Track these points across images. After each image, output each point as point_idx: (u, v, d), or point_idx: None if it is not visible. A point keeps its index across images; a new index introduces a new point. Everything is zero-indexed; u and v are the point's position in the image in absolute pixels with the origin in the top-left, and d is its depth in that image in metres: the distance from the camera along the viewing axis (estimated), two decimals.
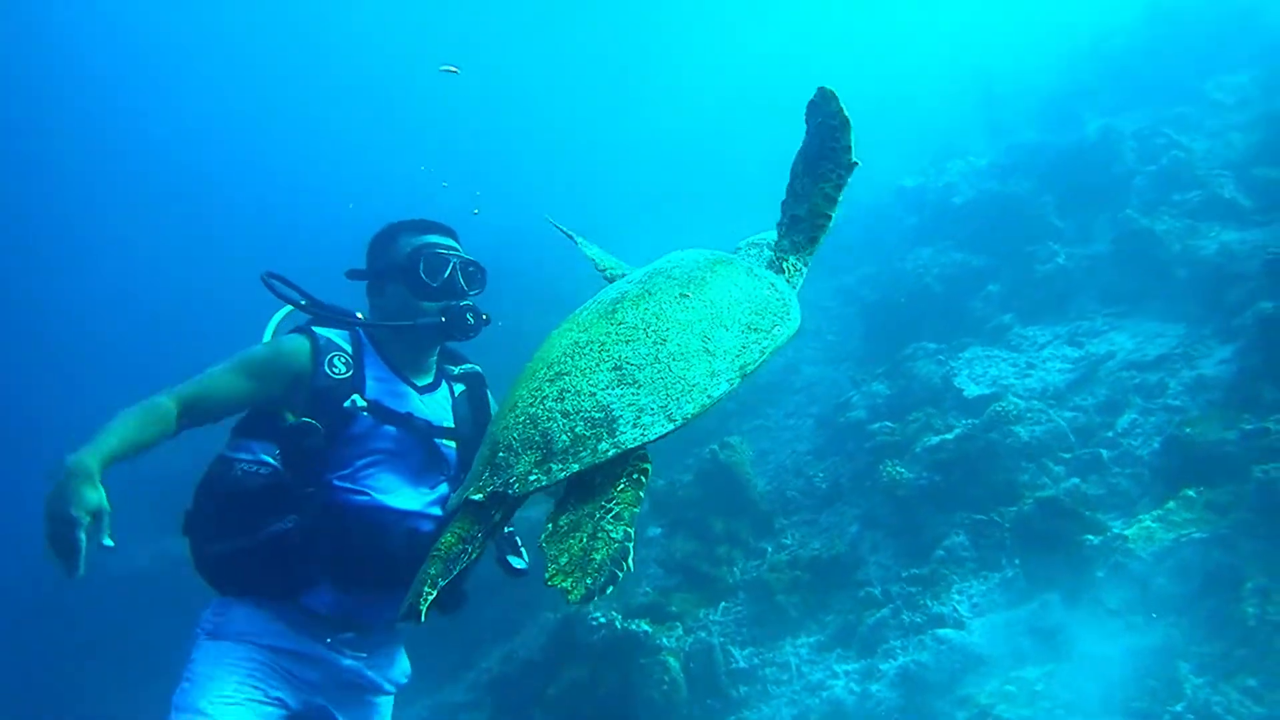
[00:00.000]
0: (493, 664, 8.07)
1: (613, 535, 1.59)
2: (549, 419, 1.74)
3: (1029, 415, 6.54)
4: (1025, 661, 4.76)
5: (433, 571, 1.71)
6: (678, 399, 1.72)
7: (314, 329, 2.74)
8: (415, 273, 2.78)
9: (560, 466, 1.68)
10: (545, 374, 1.85)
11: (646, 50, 31.94)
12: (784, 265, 2.26)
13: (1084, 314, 7.89)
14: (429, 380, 2.88)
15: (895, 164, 12.93)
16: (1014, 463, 6.27)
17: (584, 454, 1.68)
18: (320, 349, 2.67)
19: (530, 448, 1.73)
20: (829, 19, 30.59)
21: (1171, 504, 4.78)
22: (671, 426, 1.70)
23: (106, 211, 30.98)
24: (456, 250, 2.89)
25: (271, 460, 2.56)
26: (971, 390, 7.32)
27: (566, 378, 1.80)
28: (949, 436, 6.68)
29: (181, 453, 2.90)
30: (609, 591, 1.51)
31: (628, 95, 31.93)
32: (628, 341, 1.82)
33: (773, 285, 2.09)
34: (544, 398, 1.79)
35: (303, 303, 2.84)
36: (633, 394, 1.73)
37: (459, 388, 2.96)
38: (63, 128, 30.81)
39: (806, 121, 2.24)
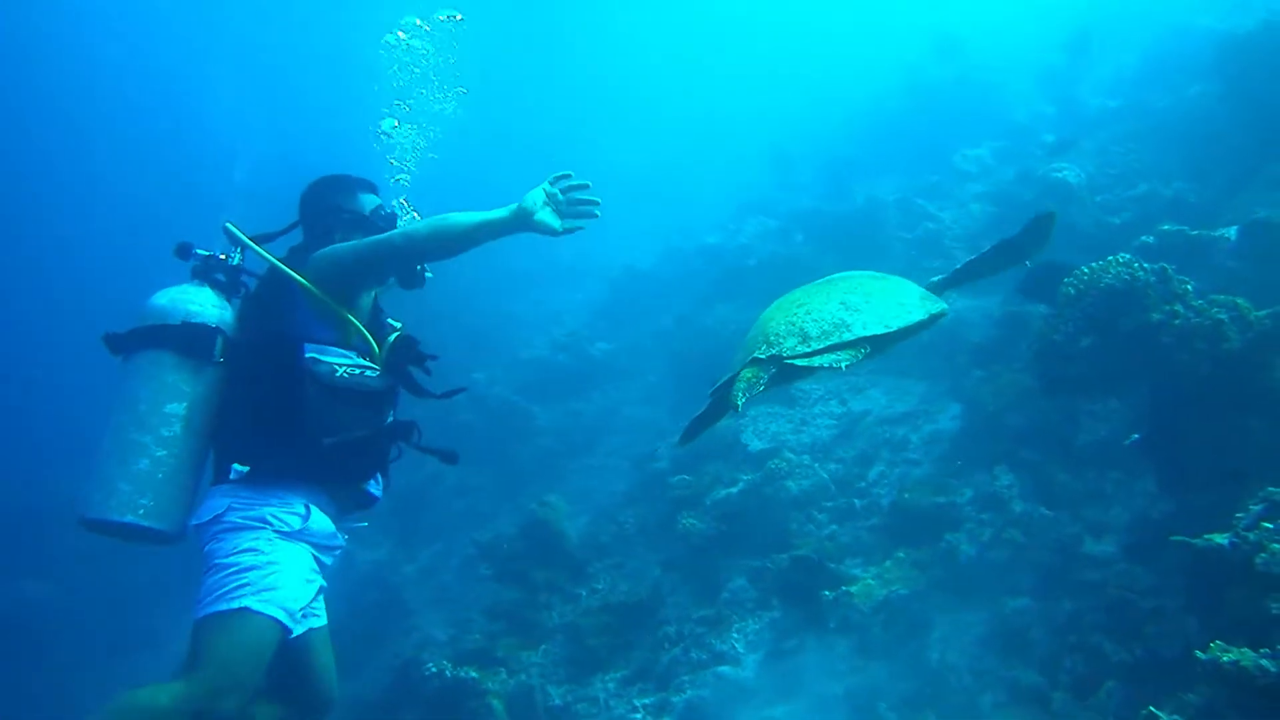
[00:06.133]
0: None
1: (833, 356, 2.79)
2: (803, 323, 2.90)
3: (799, 470, 7.65)
4: (776, 698, 5.82)
5: (741, 386, 2.84)
6: (888, 319, 2.91)
7: None
8: (391, 229, 3.43)
9: (817, 344, 2.84)
10: (792, 307, 3.02)
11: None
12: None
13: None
14: None
15: (703, 215, 14.11)
16: (785, 513, 7.34)
17: (831, 339, 2.84)
18: None
19: (792, 335, 2.89)
20: (651, 59, 31.80)
21: (888, 563, 5.94)
22: (885, 329, 2.88)
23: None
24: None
25: (367, 363, 3.15)
26: (755, 445, 8.44)
27: (806, 305, 2.97)
28: (734, 490, 7.72)
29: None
30: (816, 361, 2.77)
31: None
32: (846, 293, 3.02)
33: (925, 288, 3.28)
34: (795, 316, 2.94)
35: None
36: (856, 314, 2.92)
37: None
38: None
39: (1026, 230, 3.30)
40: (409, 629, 9.40)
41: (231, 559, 2.83)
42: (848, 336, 2.81)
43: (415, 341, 3.33)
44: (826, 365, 2.77)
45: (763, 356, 2.87)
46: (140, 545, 3.12)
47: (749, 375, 2.87)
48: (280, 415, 2.98)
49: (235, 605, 2.75)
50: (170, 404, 2.99)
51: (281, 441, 2.98)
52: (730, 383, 3.00)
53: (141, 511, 2.90)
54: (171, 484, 2.97)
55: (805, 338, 2.84)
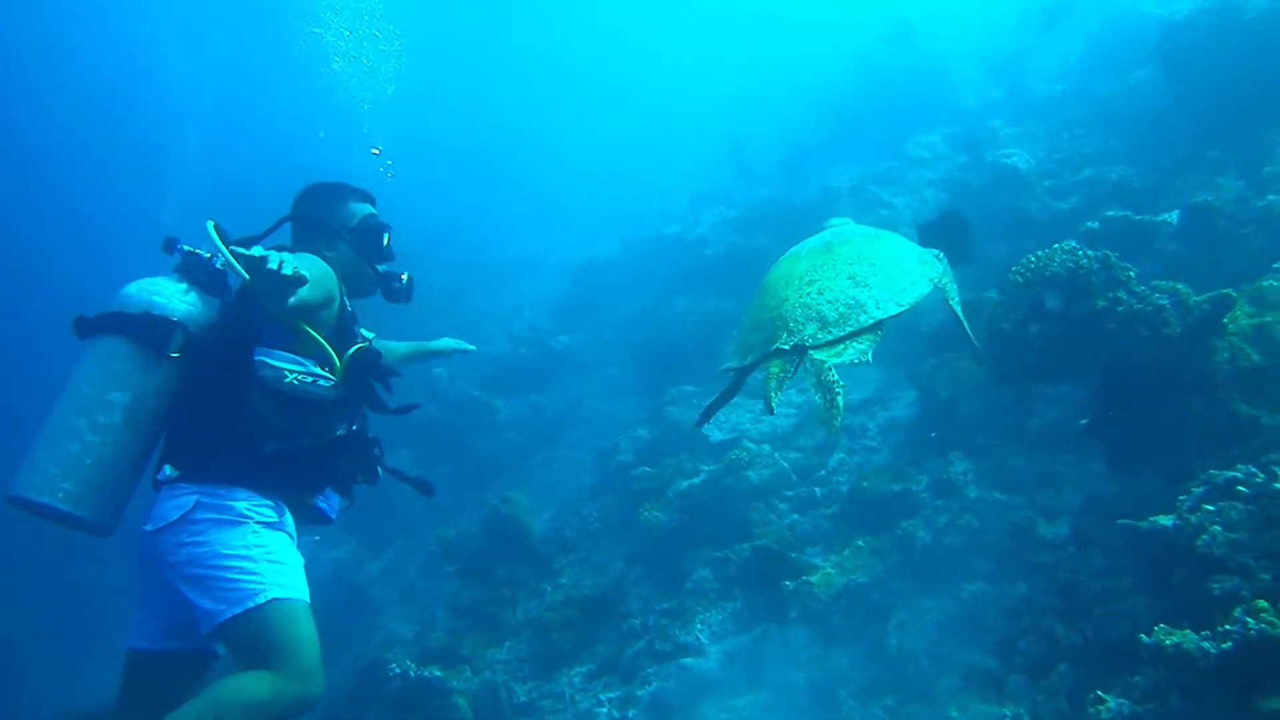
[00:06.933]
0: None
1: (858, 345, 2.85)
2: (819, 306, 2.89)
3: (759, 460, 7.68)
4: (740, 689, 5.87)
5: (772, 384, 2.86)
6: (898, 295, 2.92)
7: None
8: (377, 241, 3.46)
9: (837, 330, 2.85)
10: (802, 285, 2.99)
11: None
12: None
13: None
14: None
15: (661, 204, 14.11)
16: (746, 503, 7.37)
17: (850, 324, 2.86)
18: (339, 280, 3.25)
19: (810, 320, 2.88)
20: (608, 47, 31.79)
21: (847, 551, 6.00)
22: (899, 309, 2.90)
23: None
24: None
25: (322, 372, 3.06)
26: (716, 436, 8.48)
27: (818, 283, 2.95)
28: (695, 481, 7.74)
29: None
30: (845, 357, 2.80)
31: None
32: (850, 264, 3.00)
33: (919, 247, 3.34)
34: (808, 295, 2.93)
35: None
36: (868, 291, 2.92)
37: None
38: None
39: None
40: (373, 628, 9.35)
41: (232, 558, 2.81)
42: (865, 320, 2.85)
43: (377, 355, 3.28)
44: (855, 360, 2.79)
45: (786, 347, 2.88)
46: (72, 531, 3.03)
47: (777, 371, 2.88)
48: (222, 416, 2.95)
49: (263, 600, 2.76)
50: (114, 392, 2.95)
51: (221, 443, 2.95)
52: (749, 369, 3.01)
53: (61, 495, 2.85)
54: (99, 472, 2.91)
55: (824, 323, 2.85)
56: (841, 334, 2.81)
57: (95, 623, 11.73)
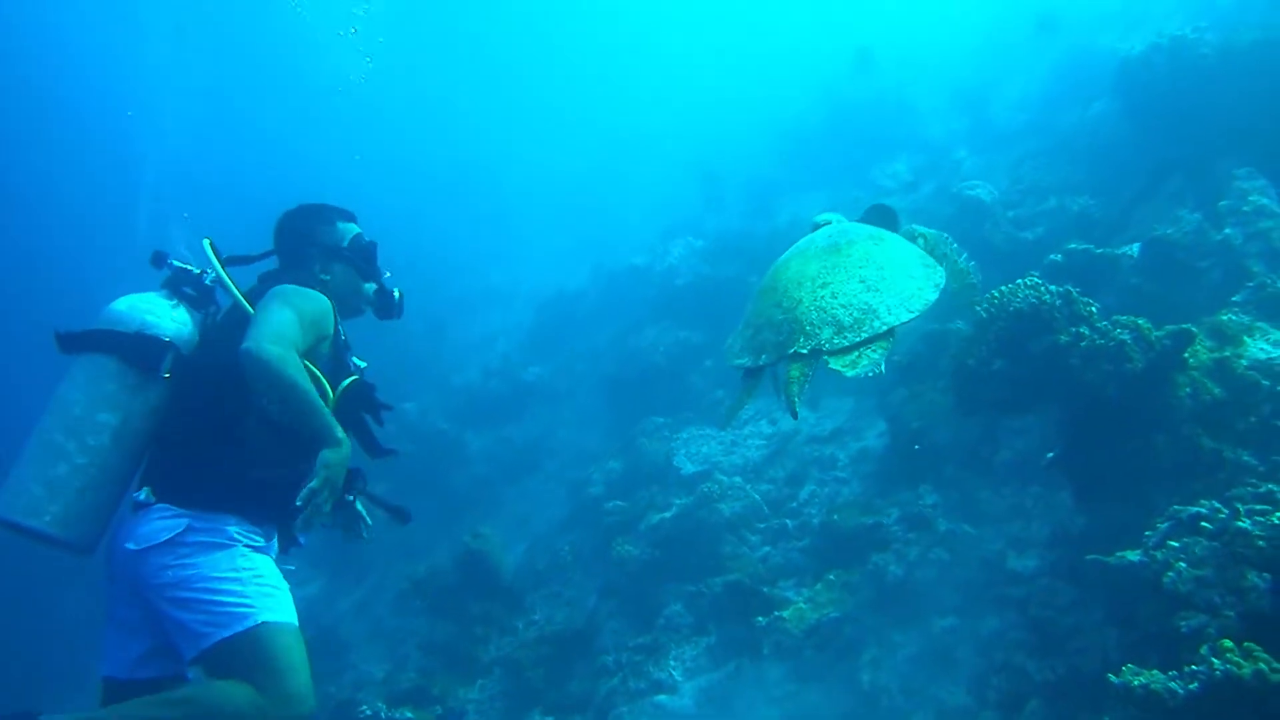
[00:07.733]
0: None
1: (871, 355, 2.79)
2: (833, 310, 2.87)
3: (731, 492, 7.67)
4: None
5: (794, 388, 2.82)
6: (908, 301, 2.89)
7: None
8: (370, 260, 3.44)
9: (852, 335, 2.82)
10: (814, 285, 2.97)
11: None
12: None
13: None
14: None
15: (630, 234, 14.16)
16: (719, 535, 7.34)
17: (864, 329, 2.82)
18: (334, 309, 3.20)
19: (826, 325, 2.85)
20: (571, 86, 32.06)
21: (819, 585, 5.99)
22: (910, 316, 2.87)
23: None
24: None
25: None
26: (687, 468, 8.47)
27: (831, 286, 2.93)
28: (667, 515, 7.71)
29: None
30: (859, 368, 2.74)
31: None
32: (860, 266, 2.98)
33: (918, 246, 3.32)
34: (821, 298, 2.92)
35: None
36: (879, 297, 2.89)
37: None
38: None
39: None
40: (344, 667, 9.21)
41: (221, 580, 2.76)
42: (878, 325, 2.84)
43: (371, 388, 3.25)
44: (869, 373, 2.79)
45: (804, 351, 2.88)
46: (51, 550, 2.96)
47: (797, 375, 2.87)
48: (216, 442, 2.91)
49: (252, 623, 2.72)
50: (103, 413, 2.90)
51: (212, 469, 2.90)
52: (762, 369, 3.01)
53: (48, 518, 2.80)
54: (87, 495, 2.86)
55: (840, 327, 2.85)
56: (857, 339, 2.81)
57: (70, 638, 11.51)
